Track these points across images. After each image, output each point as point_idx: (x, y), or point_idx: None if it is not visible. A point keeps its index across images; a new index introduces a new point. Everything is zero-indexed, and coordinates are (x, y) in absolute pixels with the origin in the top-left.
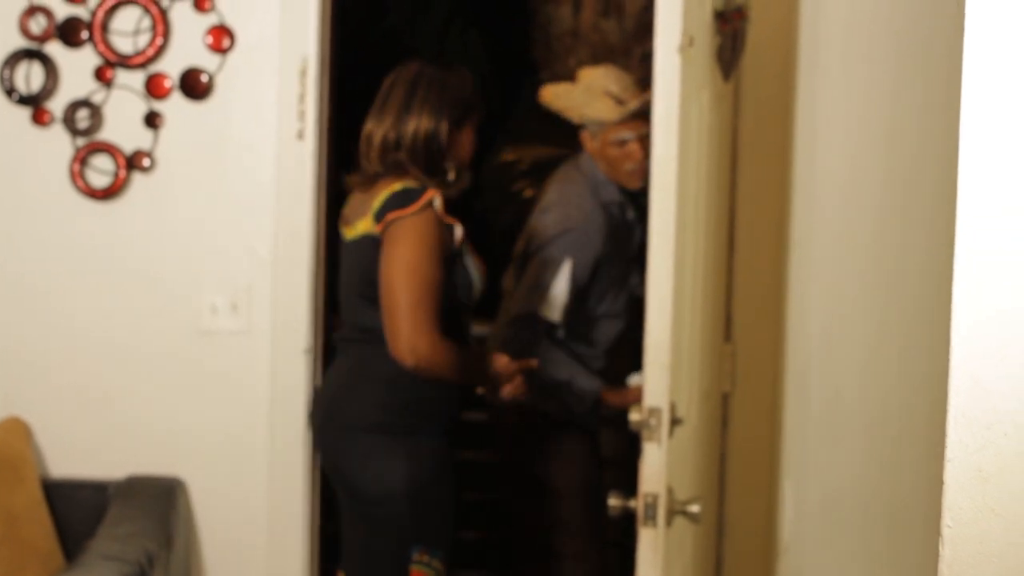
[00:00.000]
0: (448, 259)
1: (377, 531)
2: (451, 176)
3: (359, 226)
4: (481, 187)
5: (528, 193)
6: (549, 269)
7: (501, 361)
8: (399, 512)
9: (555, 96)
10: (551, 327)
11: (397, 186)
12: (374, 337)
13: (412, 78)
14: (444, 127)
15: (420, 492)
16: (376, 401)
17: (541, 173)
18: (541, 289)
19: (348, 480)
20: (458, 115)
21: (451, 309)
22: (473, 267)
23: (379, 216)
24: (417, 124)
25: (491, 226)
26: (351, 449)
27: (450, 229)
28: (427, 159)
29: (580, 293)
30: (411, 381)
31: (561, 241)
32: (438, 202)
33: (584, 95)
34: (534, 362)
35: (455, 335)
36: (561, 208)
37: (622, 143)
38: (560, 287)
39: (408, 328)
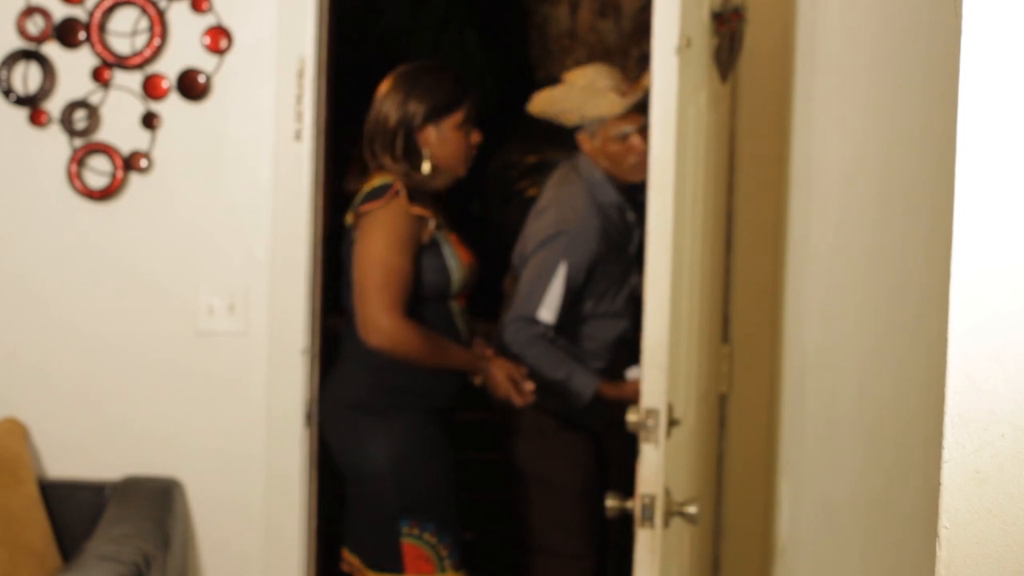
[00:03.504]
0: (420, 248)
1: (366, 505)
2: (425, 169)
3: (347, 218)
4: (485, 186)
5: (532, 192)
6: (544, 272)
7: (499, 374)
8: (382, 487)
9: (551, 101)
10: (547, 327)
11: (377, 181)
12: (355, 320)
13: (396, 77)
14: (411, 119)
15: (401, 467)
16: (358, 381)
17: (544, 173)
18: (537, 291)
19: (337, 456)
20: (429, 110)
21: (432, 298)
22: (452, 257)
23: (356, 210)
24: (386, 117)
25: (494, 225)
26: (337, 426)
27: (422, 220)
28: (393, 150)
29: (576, 294)
30: (390, 362)
31: (555, 243)
32: (403, 194)
33: (583, 94)
34: (523, 370)
35: (441, 325)
36: (556, 210)
37: (623, 137)
38: (555, 289)
39: (373, 310)
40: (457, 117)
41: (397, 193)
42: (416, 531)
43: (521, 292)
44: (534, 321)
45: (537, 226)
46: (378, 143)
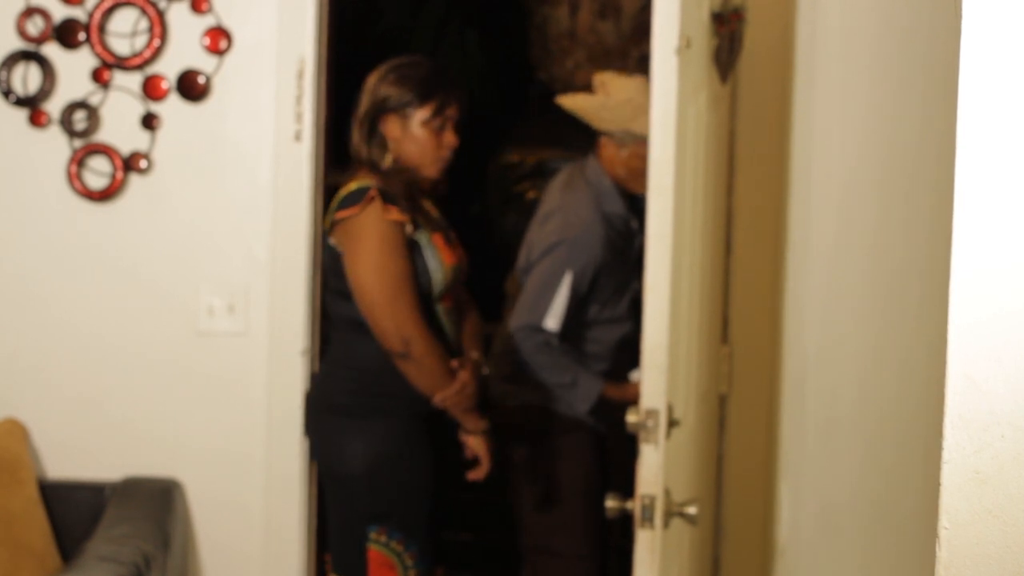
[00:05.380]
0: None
1: (338, 508)
2: (386, 162)
3: (324, 222)
4: (485, 187)
5: (532, 194)
6: (549, 280)
7: (484, 447)
8: (355, 491)
9: (591, 107)
10: (552, 335)
11: (353, 185)
12: (340, 325)
13: (382, 67)
14: (382, 103)
15: (375, 473)
16: (340, 384)
17: (546, 175)
18: (542, 300)
19: (317, 457)
20: (398, 97)
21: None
22: (434, 258)
23: (332, 215)
24: (362, 101)
25: (495, 226)
26: (319, 428)
27: (399, 224)
28: (359, 132)
29: (580, 301)
30: (374, 367)
31: (560, 251)
32: (378, 199)
33: (628, 109)
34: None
35: (429, 325)
36: (561, 217)
37: None
38: (561, 298)
39: (391, 322)
40: (424, 112)
41: (372, 199)
42: (383, 538)
43: (526, 299)
44: (540, 329)
45: (542, 232)
46: (355, 130)
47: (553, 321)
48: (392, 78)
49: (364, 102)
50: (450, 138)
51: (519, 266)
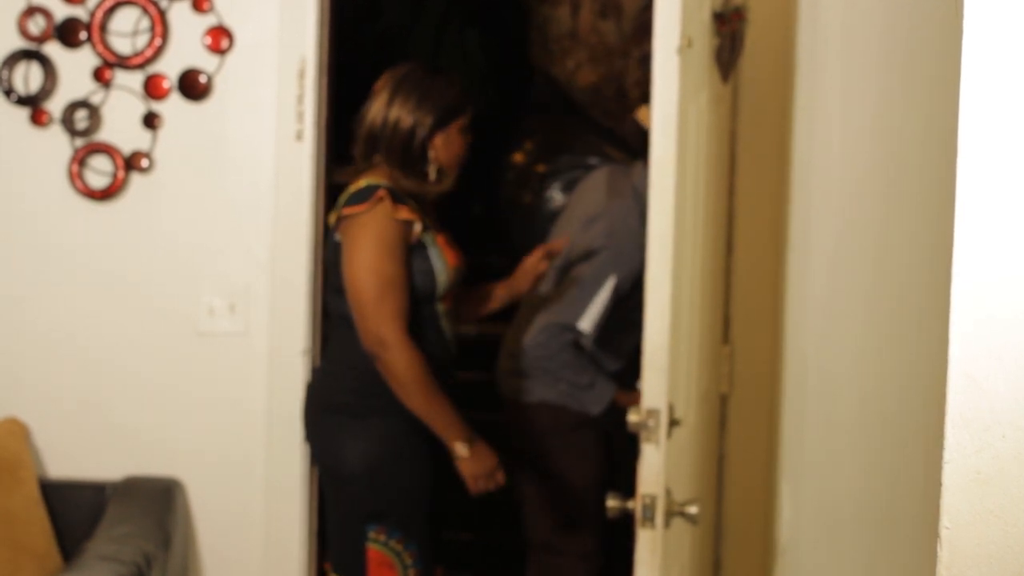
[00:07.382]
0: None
1: (337, 507)
2: (431, 176)
3: (330, 218)
4: (487, 189)
5: (548, 189)
6: (590, 283)
7: (476, 467)
8: (355, 490)
9: None
10: (581, 335)
11: (362, 183)
12: (339, 322)
13: (399, 78)
14: (424, 126)
15: (375, 472)
16: (341, 384)
17: (554, 172)
18: (580, 301)
19: (316, 456)
20: (440, 117)
21: (418, 300)
22: (439, 259)
23: (339, 210)
24: (396, 121)
25: (500, 228)
26: (318, 427)
27: (407, 223)
28: (403, 156)
29: (616, 306)
30: (373, 366)
31: (605, 256)
32: (387, 199)
33: None
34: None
35: (427, 328)
36: (608, 221)
37: None
38: (600, 302)
39: (373, 323)
40: (462, 121)
41: (381, 198)
42: (383, 537)
43: (563, 298)
44: (571, 329)
45: (587, 234)
46: (383, 146)
47: (588, 323)
48: (432, 97)
49: (401, 122)
50: (468, 136)
51: (552, 264)
